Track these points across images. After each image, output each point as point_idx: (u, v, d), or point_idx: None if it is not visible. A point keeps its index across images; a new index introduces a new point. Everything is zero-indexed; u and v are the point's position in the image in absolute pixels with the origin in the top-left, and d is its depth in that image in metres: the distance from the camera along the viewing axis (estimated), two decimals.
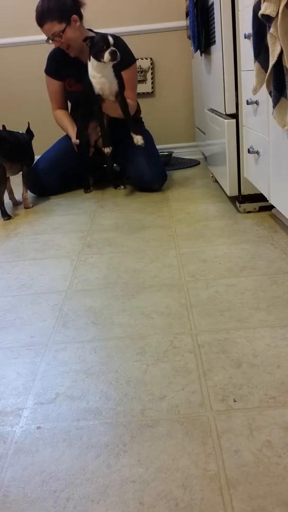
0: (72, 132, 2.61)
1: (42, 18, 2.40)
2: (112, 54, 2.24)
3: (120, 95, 2.38)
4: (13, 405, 0.94)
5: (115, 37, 2.29)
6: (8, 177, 2.42)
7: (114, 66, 2.33)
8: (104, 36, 2.26)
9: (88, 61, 2.35)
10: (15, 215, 2.32)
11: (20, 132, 2.51)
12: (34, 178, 2.59)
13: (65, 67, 2.60)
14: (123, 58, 2.43)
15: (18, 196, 2.53)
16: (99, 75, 2.33)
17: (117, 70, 2.36)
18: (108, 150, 2.39)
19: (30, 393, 0.97)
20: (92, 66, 2.33)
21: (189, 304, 1.27)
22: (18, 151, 2.39)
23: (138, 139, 2.40)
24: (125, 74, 2.45)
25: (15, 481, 0.76)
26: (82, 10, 2.48)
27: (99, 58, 2.27)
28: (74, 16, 2.43)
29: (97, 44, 2.25)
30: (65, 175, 2.67)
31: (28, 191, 2.53)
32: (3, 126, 2.44)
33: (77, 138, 2.56)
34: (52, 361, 1.07)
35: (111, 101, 2.40)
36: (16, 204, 2.52)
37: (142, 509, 0.69)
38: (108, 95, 2.38)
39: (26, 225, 2.14)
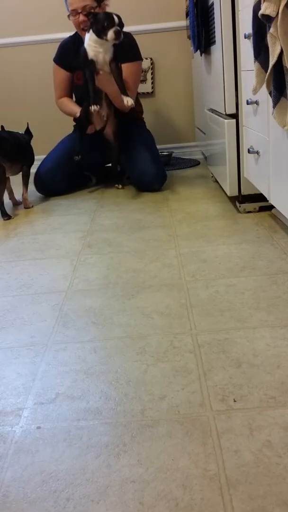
0: (77, 108, 2.58)
1: None
2: (117, 33, 2.20)
3: (114, 62, 2.33)
4: (13, 405, 0.94)
5: (120, 18, 2.26)
6: (8, 177, 2.42)
7: (114, 44, 2.29)
8: (109, 14, 2.23)
9: (87, 32, 2.31)
10: (15, 215, 2.32)
11: (20, 132, 2.51)
12: (41, 179, 2.59)
13: (75, 59, 2.57)
14: (130, 51, 2.42)
15: (18, 196, 2.53)
16: (95, 45, 2.29)
17: (116, 47, 2.31)
18: (94, 107, 2.34)
19: (30, 393, 0.97)
20: (90, 38, 2.29)
21: (189, 304, 1.27)
22: (18, 151, 2.39)
23: (128, 100, 2.35)
24: (128, 66, 2.45)
25: (15, 481, 0.76)
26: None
27: (101, 35, 2.23)
28: (105, 2, 2.44)
29: (101, 21, 2.21)
30: (70, 174, 2.66)
31: (30, 191, 2.53)
32: (2, 126, 2.44)
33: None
34: (52, 361, 1.07)
35: (106, 73, 2.35)
36: (16, 204, 2.52)
37: (142, 509, 0.69)
38: (102, 64, 2.32)
39: (26, 225, 2.14)
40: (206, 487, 0.71)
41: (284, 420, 0.82)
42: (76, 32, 2.59)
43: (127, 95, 2.36)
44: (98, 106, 2.36)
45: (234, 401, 0.88)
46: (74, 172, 2.66)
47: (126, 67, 2.45)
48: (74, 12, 2.43)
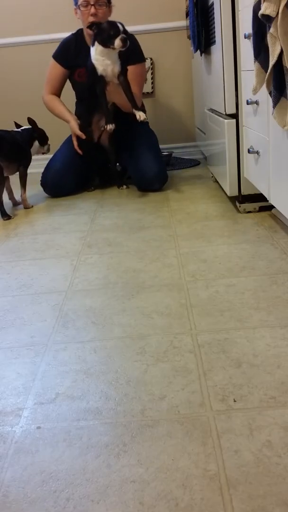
0: (70, 116, 2.59)
1: None
2: (123, 40, 2.22)
3: (122, 75, 2.35)
4: (13, 405, 0.94)
5: (123, 25, 2.27)
6: (7, 177, 2.42)
7: (119, 51, 2.31)
8: (113, 23, 2.25)
9: (91, 46, 2.33)
10: (15, 215, 2.32)
11: (21, 130, 2.51)
12: (49, 179, 2.58)
13: (76, 57, 2.57)
14: (133, 54, 2.43)
15: (17, 196, 2.53)
16: (102, 58, 2.31)
17: (121, 54, 2.34)
18: (110, 126, 2.35)
19: (30, 393, 0.97)
20: (96, 50, 2.31)
21: (189, 304, 1.27)
22: (17, 151, 2.39)
23: (140, 115, 2.36)
24: (134, 68, 2.45)
25: (15, 481, 0.76)
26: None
27: (108, 44, 2.25)
28: (112, 4, 2.46)
29: (106, 31, 2.23)
30: (79, 174, 2.66)
31: (30, 191, 2.53)
32: (15, 123, 2.46)
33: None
34: (52, 361, 1.07)
35: (115, 85, 2.38)
36: (16, 204, 2.52)
37: (142, 509, 0.69)
38: (111, 77, 2.35)
39: (26, 225, 2.14)
40: (206, 487, 0.71)
41: (284, 420, 0.82)
42: (78, 30, 2.59)
43: (138, 109, 2.37)
44: (113, 125, 2.36)
45: (234, 401, 0.88)
46: (82, 171, 2.65)
47: (132, 70, 2.45)
48: (85, 3, 2.41)
